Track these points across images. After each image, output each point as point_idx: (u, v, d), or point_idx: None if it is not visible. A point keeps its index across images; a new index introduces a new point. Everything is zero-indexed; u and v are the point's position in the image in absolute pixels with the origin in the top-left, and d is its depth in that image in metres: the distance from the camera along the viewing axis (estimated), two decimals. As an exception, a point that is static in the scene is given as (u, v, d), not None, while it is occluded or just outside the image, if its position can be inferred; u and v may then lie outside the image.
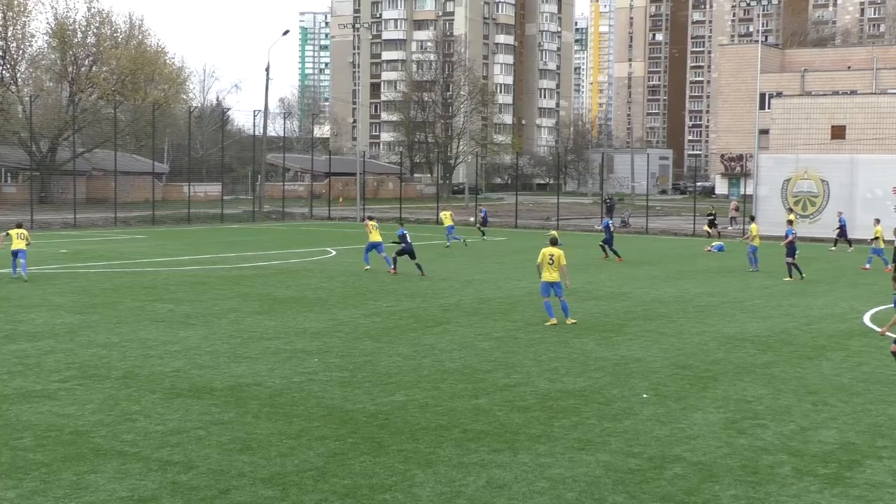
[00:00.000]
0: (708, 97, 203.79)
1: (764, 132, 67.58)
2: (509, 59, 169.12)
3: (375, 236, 32.54)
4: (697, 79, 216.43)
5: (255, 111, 70.77)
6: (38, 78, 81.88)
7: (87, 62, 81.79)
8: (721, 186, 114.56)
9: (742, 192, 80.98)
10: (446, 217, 45.53)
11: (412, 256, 31.15)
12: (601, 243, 38.91)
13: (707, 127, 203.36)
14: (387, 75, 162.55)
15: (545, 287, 21.18)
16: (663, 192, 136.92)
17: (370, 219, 34.37)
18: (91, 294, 25.68)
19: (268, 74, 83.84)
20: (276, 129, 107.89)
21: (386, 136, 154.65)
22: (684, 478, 10.86)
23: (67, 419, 12.89)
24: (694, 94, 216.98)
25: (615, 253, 37.84)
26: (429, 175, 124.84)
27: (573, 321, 21.27)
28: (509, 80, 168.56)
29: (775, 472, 11.14)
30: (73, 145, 72.38)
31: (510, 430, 12.61)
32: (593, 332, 20.48)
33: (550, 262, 21.03)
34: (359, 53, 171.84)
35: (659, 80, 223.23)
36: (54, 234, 50.06)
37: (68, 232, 52.83)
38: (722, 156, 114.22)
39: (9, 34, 78.59)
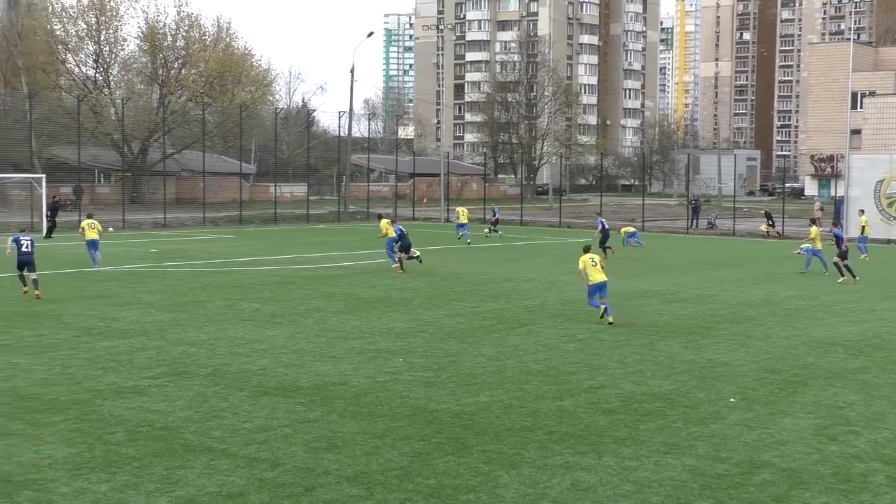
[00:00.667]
0: (797, 97, 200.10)
1: (856, 132, 66.17)
2: (594, 59, 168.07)
3: (391, 232, 33.89)
4: (786, 78, 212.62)
5: (339, 112, 71.73)
6: (129, 81, 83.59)
7: (176, 65, 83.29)
8: (811, 188, 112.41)
9: (833, 194, 79.38)
10: (462, 214, 46.78)
11: (406, 251, 32.91)
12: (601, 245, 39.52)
13: (796, 127, 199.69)
14: (471, 76, 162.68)
15: (593, 289, 21.76)
16: (751, 193, 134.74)
17: (381, 217, 36.40)
18: (180, 293, 26.14)
19: (352, 76, 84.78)
20: (360, 130, 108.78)
21: (470, 137, 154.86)
22: (773, 484, 10.68)
23: (158, 415, 13.13)
24: (783, 94, 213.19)
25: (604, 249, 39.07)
26: (512, 176, 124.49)
27: (611, 321, 21.35)
28: (594, 80, 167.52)
29: (868, 480, 10.90)
30: (163, 146, 73.67)
31: (595, 433, 12.54)
32: (679, 334, 20.26)
33: (593, 264, 21.86)
34: (443, 54, 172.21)
35: (746, 80, 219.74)
36: (145, 234, 51.07)
37: (158, 231, 53.81)
38: (812, 156, 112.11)
39: (102, 38, 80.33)
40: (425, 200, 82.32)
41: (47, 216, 48.34)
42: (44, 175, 54.21)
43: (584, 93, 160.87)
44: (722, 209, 71.89)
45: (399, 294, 26.37)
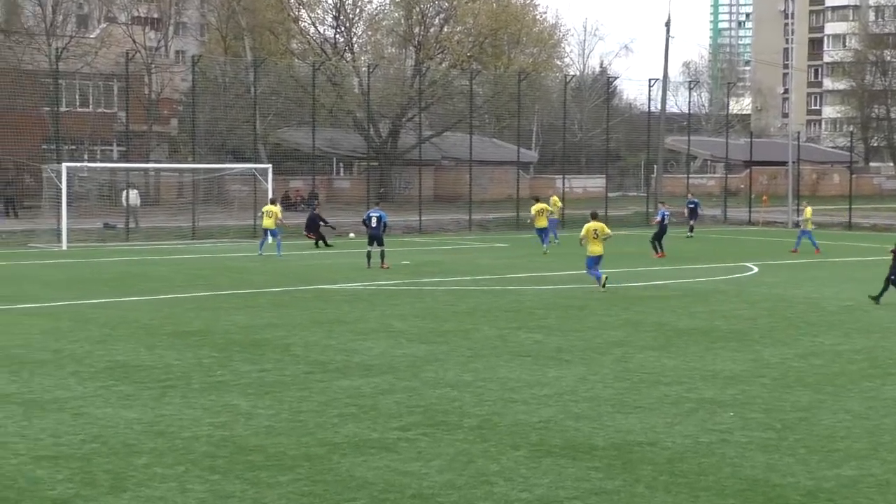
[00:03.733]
0: None
1: None
2: None
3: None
4: None
5: (650, 80, 71.23)
6: (377, 43, 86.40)
7: (437, 21, 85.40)
8: None
9: None
10: (538, 215, 49.84)
11: (376, 243, 38.33)
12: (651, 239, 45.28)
13: None
14: (832, 27, 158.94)
15: (592, 261, 31.43)
16: None
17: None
18: (439, 318, 26.73)
19: (668, 31, 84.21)
20: (678, 103, 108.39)
21: (830, 112, 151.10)
22: None
23: (409, 478, 13.43)
24: None
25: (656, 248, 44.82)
26: (891, 164, 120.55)
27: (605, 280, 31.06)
28: None
29: None
30: (419, 127, 74.89)
31: None
32: None
33: (595, 235, 31.02)
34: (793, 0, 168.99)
35: None
36: (395, 241, 52.50)
37: (411, 238, 55.35)
38: None
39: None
40: (765, 198, 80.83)
41: (306, 233, 48.84)
42: (270, 165, 56.80)
43: None
44: None
45: (729, 325, 26.01)
